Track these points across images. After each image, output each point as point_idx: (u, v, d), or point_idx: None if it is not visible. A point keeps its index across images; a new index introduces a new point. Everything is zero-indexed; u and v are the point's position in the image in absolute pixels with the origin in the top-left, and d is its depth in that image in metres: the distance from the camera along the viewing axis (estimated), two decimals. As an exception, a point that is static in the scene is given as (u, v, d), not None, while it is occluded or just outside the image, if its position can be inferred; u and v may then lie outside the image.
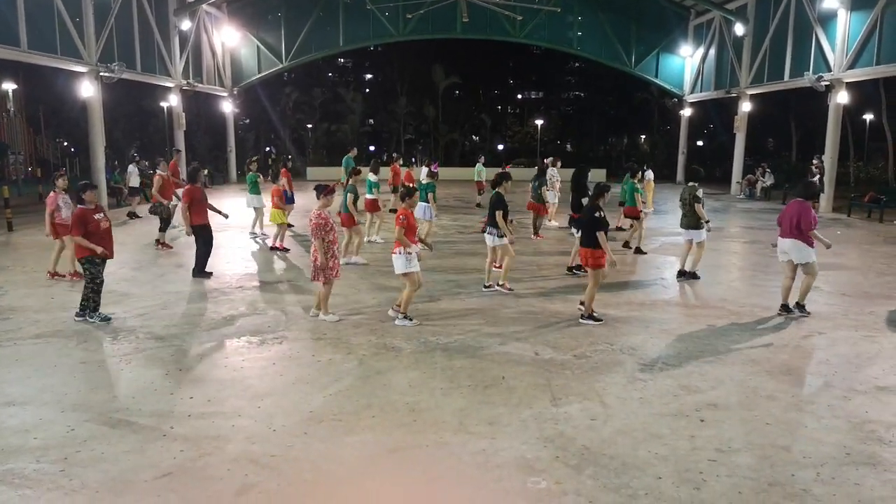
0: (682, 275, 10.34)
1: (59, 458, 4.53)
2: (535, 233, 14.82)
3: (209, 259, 10.41)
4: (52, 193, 10.14)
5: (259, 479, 4.28)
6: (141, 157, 22.59)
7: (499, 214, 9.03)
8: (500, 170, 10.75)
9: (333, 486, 4.25)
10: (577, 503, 4.01)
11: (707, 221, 10.08)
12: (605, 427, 5.05)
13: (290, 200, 14.84)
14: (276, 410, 5.34)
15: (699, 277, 10.28)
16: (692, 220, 10.02)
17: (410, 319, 7.72)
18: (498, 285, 9.40)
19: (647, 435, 4.92)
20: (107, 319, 7.80)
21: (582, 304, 8.11)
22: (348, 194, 11.23)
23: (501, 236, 9.10)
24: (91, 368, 6.33)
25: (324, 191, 7.80)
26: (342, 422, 5.13)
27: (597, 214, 7.80)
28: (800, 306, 8.32)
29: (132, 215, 17.60)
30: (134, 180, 18.81)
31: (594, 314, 7.90)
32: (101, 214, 7.86)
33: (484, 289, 9.43)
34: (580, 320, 7.88)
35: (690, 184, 10.23)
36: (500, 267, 9.69)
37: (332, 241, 7.61)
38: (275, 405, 5.45)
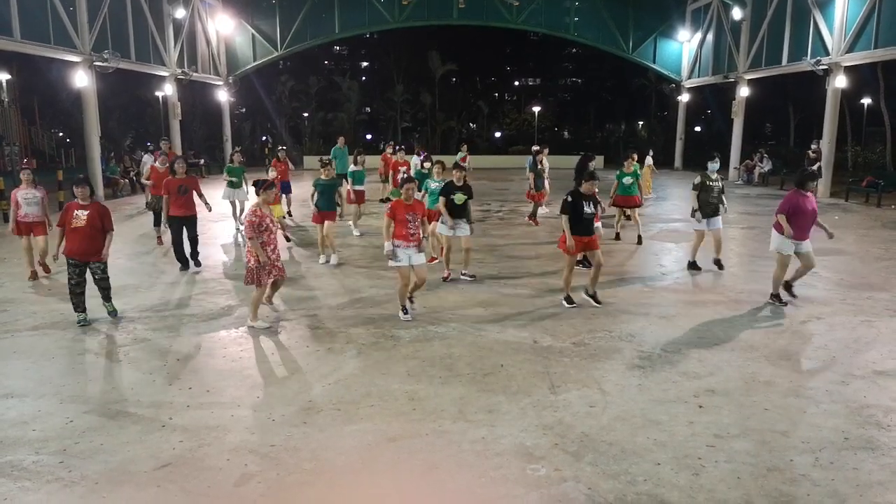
0: (692, 265, 10.12)
1: (58, 449, 4.53)
2: (531, 217, 14.84)
3: (183, 250, 10.12)
4: (14, 189, 9.43)
5: (258, 469, 4.28)
6: (155, 146, 22.24)
7: (441, 201, 9.02)
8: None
9: (333, 476, 4.25)
10: (577, 490, 4.02)
11: (695, 210, 9.75)
12: (604, 414, 5.06)
13: (287, 190, 14.86)
14: (275, 400, 5.34)
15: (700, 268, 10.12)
16: (708, 209, 9.69)
17: (405, 312, 7.49)
18: (462, 274, 9.36)
19: (645, 421, 4.93)
20: (84, 323, 7.31)
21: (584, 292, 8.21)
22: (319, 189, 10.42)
23: (449, 225, 8.97)
24: (89, 360, 6.32)
25: (262, 185, 7.21)
26: (341, 411, 5.13)
27: (568, 199, 7.84)
28: (772, 295, 8.21)
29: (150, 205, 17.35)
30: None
31: (569, 295, 8.06)
32: (84, 212, 7.25)
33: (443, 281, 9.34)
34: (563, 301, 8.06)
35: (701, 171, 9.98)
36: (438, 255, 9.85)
37: (268, 242, 7.05)
38: (274, 395, 5.45)
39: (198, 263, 10.23)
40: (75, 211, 7.31)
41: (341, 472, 4.29)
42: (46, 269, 9.74)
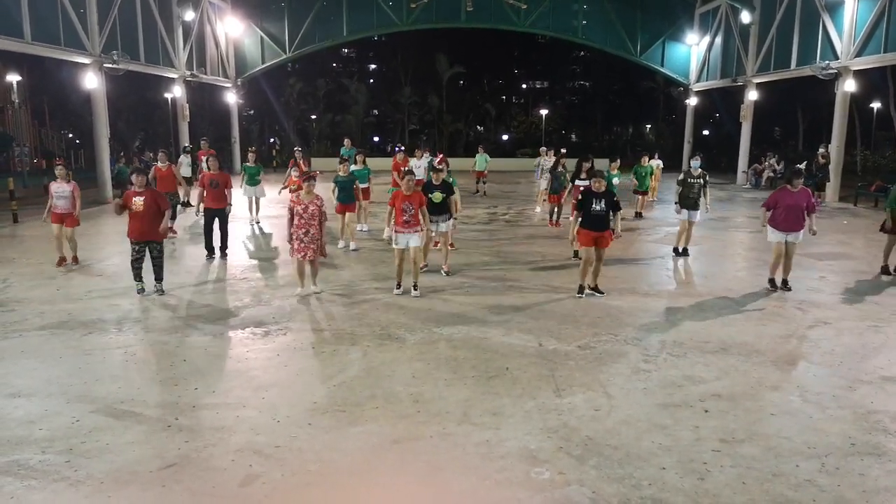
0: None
1: (64, 448, 4.56)
2: (553, 220, 14.85)
3: (211, 238, 10.95)
4: (51, 182, 10.47)
5: (263, 470, 4.30)
6: (189, 147, 22.34)
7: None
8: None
9: (337, 477, 4.26)
10: (581, 493, 4.02)
11: (675, 203, 11.08)
12: (609, 418, 5.05)
13: None
14: (281, 401, 5.35)
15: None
16: (688, 202, 11.01)
17: (398, 287, 8.72)
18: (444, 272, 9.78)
19: (650, 425, 4.92)
20: (140, 291, 8.56)
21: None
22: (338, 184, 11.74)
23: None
24: (96, 359, 6.35)
25: (304, 179, 8.51)
26: (346, 412, 5.14)
27: (579, 196, 8.56)
28: (768, 280, 9.15)
29: (186, 204, 17.46)
30: (185, 170, 18.56)
31: (581, 286, 8.63)
32: (141, 199, 8.28)
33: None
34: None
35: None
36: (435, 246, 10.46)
37: (299, 225, 8.21)
38: (279, 396, 5.46)
39: (223, 255, 11.02)
40: (133, 198, 8.32)
41: (345, 474, 4.30)
42: (75, 260, 10.46)
